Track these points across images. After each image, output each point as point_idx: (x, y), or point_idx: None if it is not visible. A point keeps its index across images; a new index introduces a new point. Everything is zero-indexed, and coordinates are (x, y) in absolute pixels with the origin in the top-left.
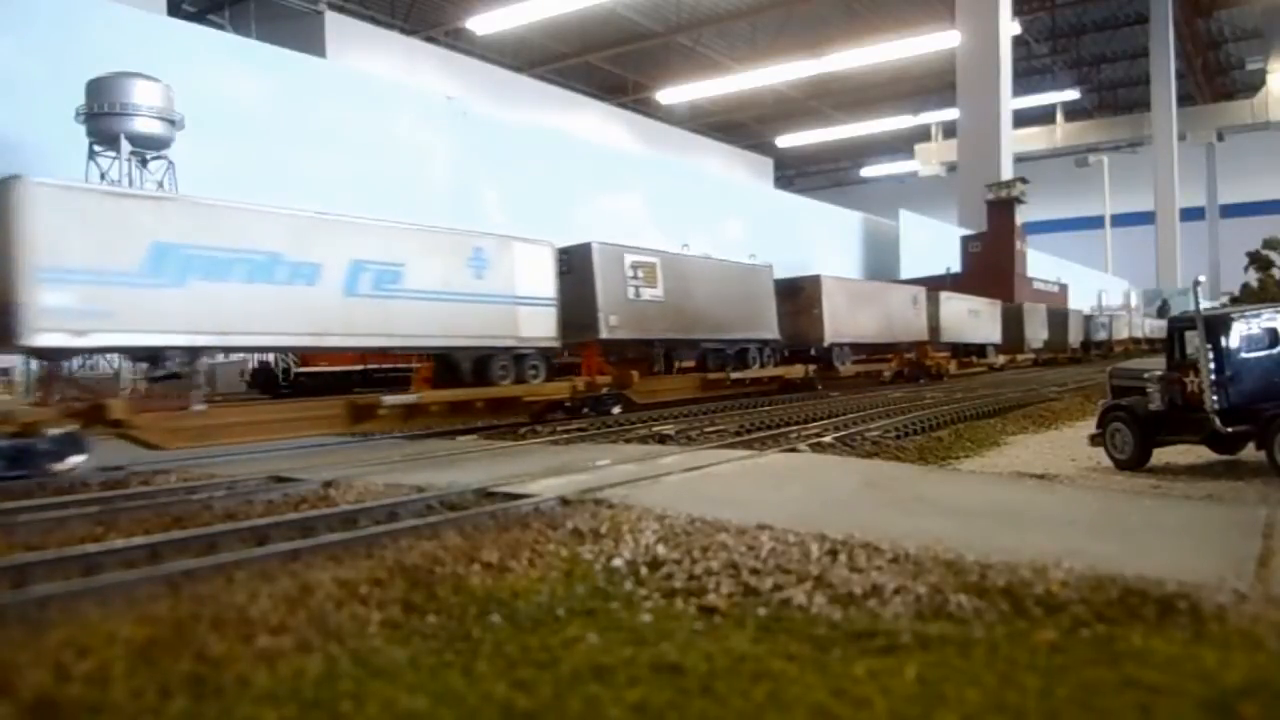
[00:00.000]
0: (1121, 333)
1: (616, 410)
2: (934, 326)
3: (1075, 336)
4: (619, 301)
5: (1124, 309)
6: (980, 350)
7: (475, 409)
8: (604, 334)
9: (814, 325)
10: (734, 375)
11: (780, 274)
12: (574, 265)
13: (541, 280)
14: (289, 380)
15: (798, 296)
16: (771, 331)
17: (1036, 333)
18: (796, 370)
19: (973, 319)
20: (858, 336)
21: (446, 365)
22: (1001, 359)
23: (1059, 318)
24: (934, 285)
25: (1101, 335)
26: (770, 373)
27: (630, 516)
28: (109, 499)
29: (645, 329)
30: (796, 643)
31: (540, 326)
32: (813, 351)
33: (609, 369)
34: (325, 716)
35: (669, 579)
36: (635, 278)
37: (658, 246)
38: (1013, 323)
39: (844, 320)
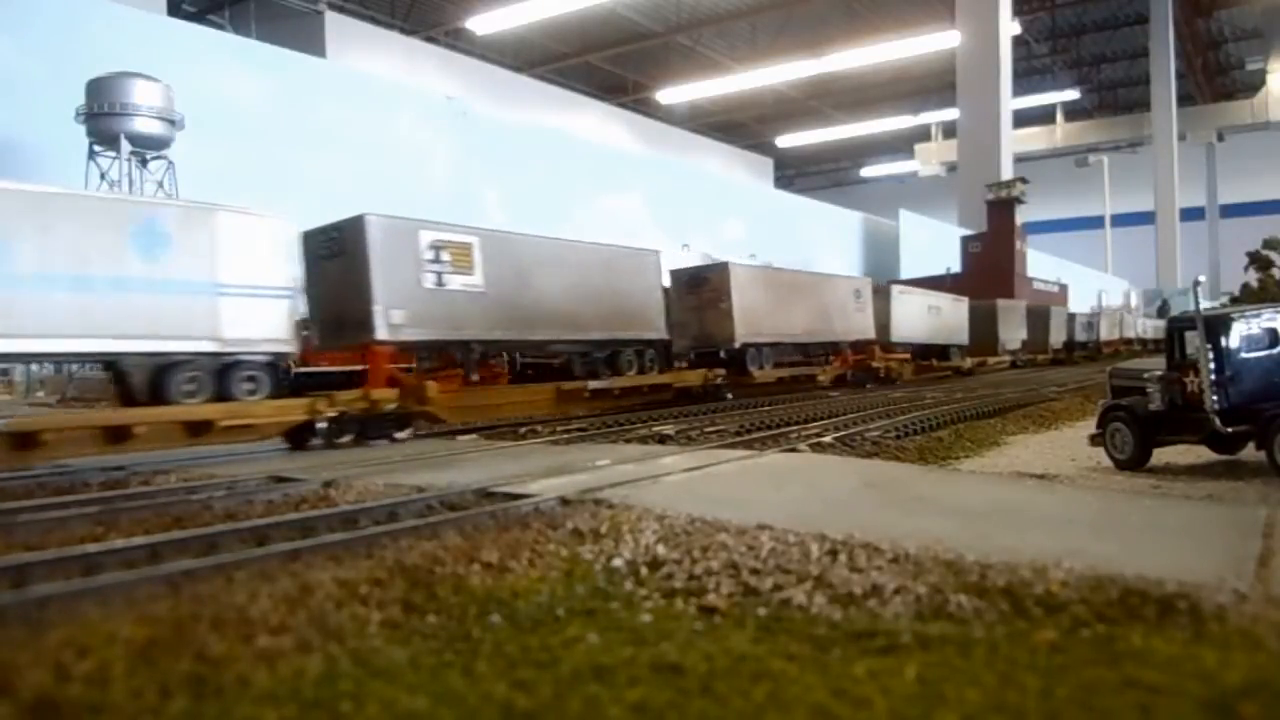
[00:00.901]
0: (1111, 333)
1: (404, 435)
2: (884, 324)
3: (1058, 337)
4: (409, 292)
5: (1117, 308)
6: (943, 352)
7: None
8: (383, 334)
9: (722, 322)
10: (594, 385)
11: None
12: (345, 246)
13: (267, 263)
14: (288, 379)
15: (702, 289)
16: (657, 330)
17: (1012, 333)
18: (691, 377)
19: (933, 317)
20: (782, 335)
21: (118, 379)
22: (969, 362)
23: (1039, 316)
24: (934, 285)
25: (1088, 335)
26: (651, 380)
27: (630, 516)
28: (109, 499)
29: (455, 327)
30: (796, 643)
31: (262, 325)
32: (722, 354)
33: (405, 380)
34: (325, 716)
35: (669, 579)
36: (437, 261)
37: (659, 246)
38: (983, 321)
39: (762, 316)
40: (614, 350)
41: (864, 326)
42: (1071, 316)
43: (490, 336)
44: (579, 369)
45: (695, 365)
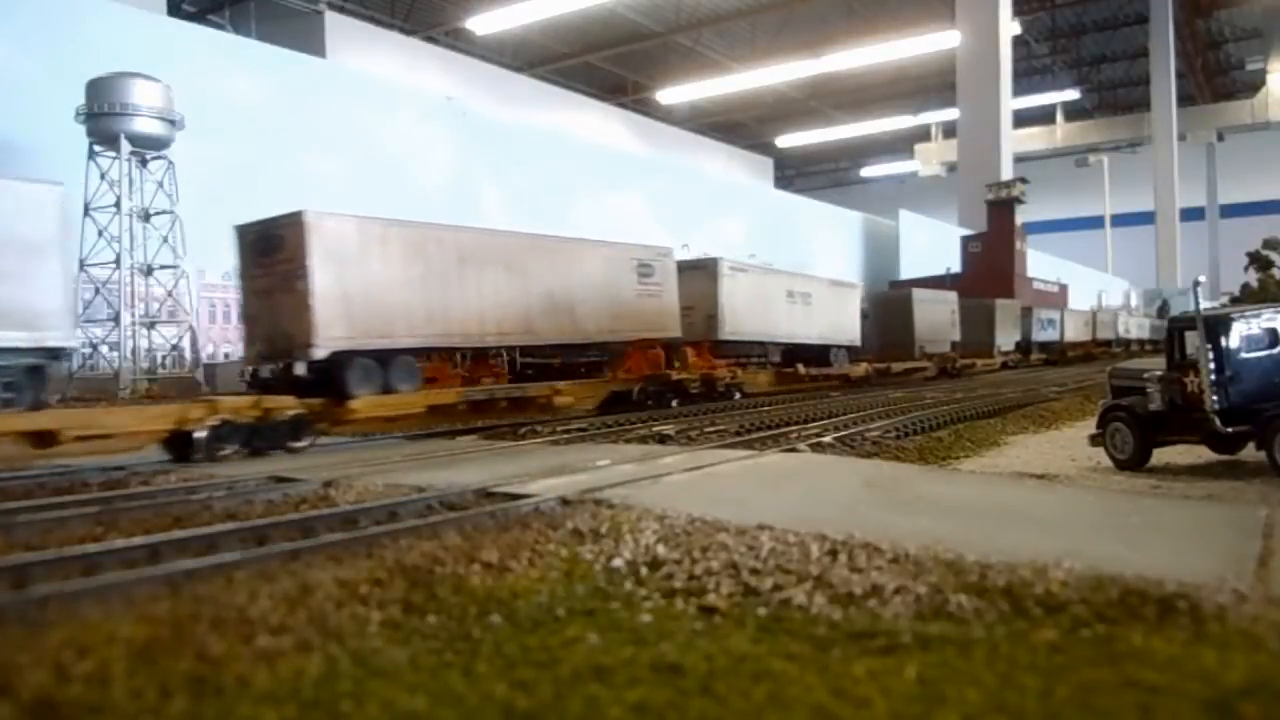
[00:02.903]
0: (1080, 332)
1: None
2: (710, 315)
3: (1006, 337)
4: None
5: (1089, 309)
6: (822, 355)
7: None
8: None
9: (297, 314)
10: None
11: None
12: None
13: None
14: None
15: (274, 258)
16: (57, 334)
17: (936, 331)
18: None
19: (798, 309)
20: (440, 334)
21: None
22: (863, 367)
23: (977, 312)
24: (934, 285)
25: (1048, 335)
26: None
27: (630, 516)
28: (109, 499)
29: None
30: (796, 643)
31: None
32: (303, 369)
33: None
34: (325, 716)
35: (669, 579)
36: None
37: (659, 246)
38: (891, 316)
39: (385, 304)
40: None
41: (659, 319)
42: (1027, 312)
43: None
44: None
45: (264, 389)
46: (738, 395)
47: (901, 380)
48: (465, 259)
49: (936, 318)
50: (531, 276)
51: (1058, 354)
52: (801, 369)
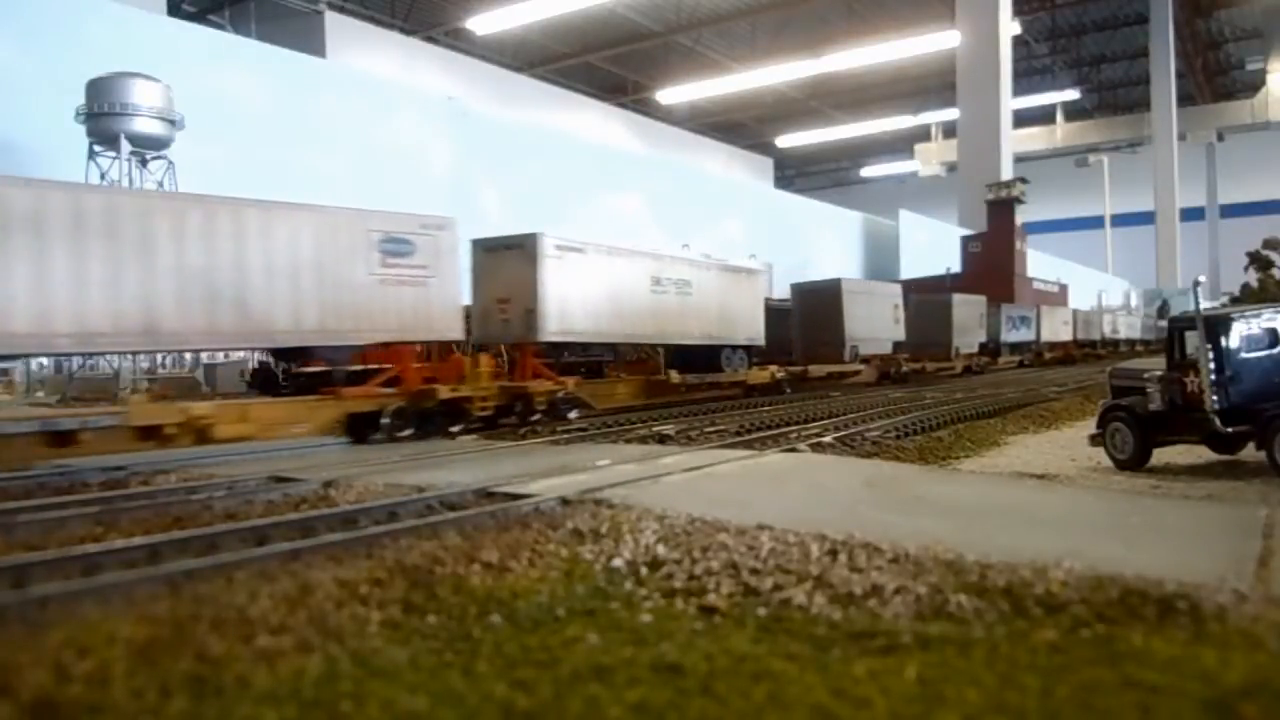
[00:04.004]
0: (1057, 333)
1: None
2: (528, 310)
3: (968, 337)
4: None
5: (1087, 304)
6: (710, 357)
7: None
8: None
9: None
10: None
11: (781, 278)
12: None
13: None
14: (288, 379)
15: None
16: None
17: (873, 328)
18: None
19: (671, 300)
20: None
21: None
22: (770, 372)
23: (931, 308)
24: (934, 285)
25: (1021, 335)
26: None
27: (630, 516)
28: (109, 499)
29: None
30: (796, 643)
31: None
32: None
33: None
34: (325, 716)
35: (669, 579)
36: None
37: (658, 247)
38: (815, 311)
39: None
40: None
41: (422, 316)
42: (995, 309)
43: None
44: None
45: None
46: (573, 414)
47: (827, 386)
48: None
49: (874, 314)
50: (161, 252)
51: (1033, 356)
52: (675, 376)
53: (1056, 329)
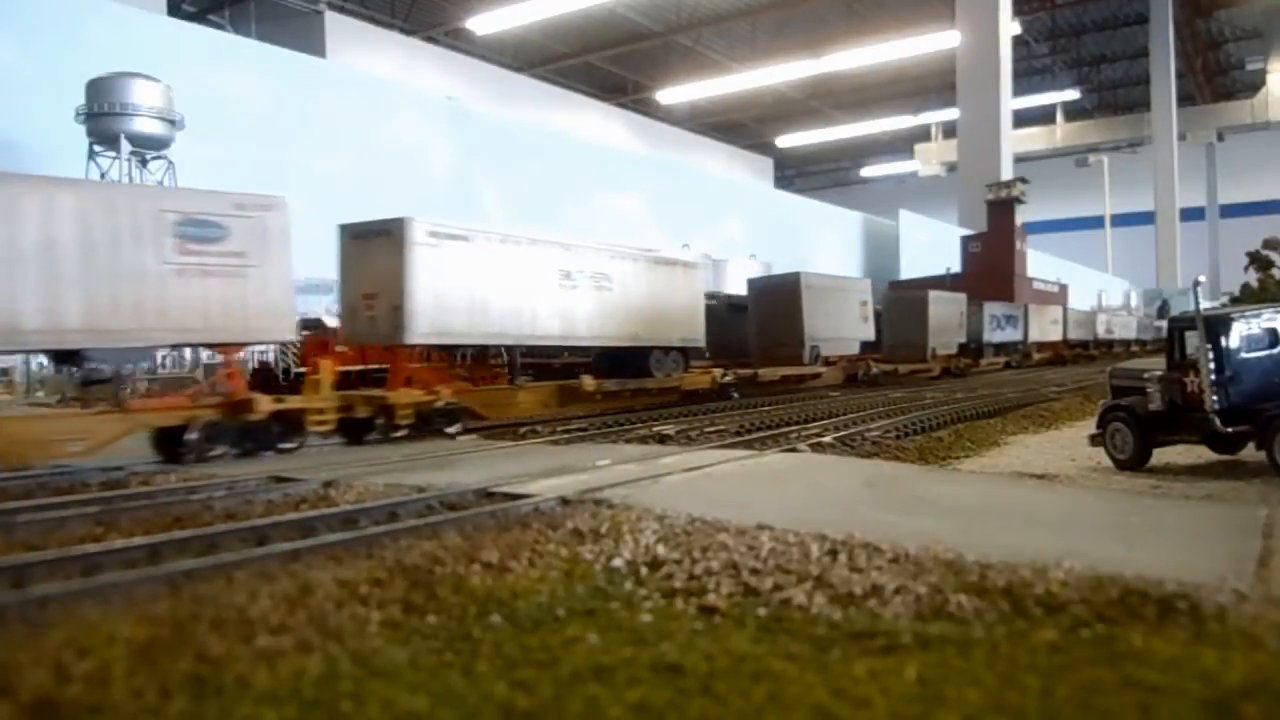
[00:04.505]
0: (1047, 332)
1: None
2: (397, 305)
3: (946, 337)
4: None
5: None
6: (639, 360)
7: None
8: None
9: None
10: None
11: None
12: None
13: None
14: (288, 379)
15: None
16: None
17: (836, 327)
18: None
19: (585, 296)
20: None
21: None
22: (712, 376)
23: (905, 306)
24: (934, 286)
25: (1006, 335)
26: None
27: (630, 516)
28: (109, 499)
29: None
30: (796, 643)
31: None
32: None
33: None
34: (325, 716)
35: (669, 579)
36: None
37: (659, 246)
38: (772, 308)
39: None
40: None
41: (236, 315)
42: (978, 308)
43: None
44: None
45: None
46: (456, 430)
47: (784, 391)
48: None
49: (839, 311)
50: None
51: (1021, 357)
52: (589, 382)
53: (1045, 329)
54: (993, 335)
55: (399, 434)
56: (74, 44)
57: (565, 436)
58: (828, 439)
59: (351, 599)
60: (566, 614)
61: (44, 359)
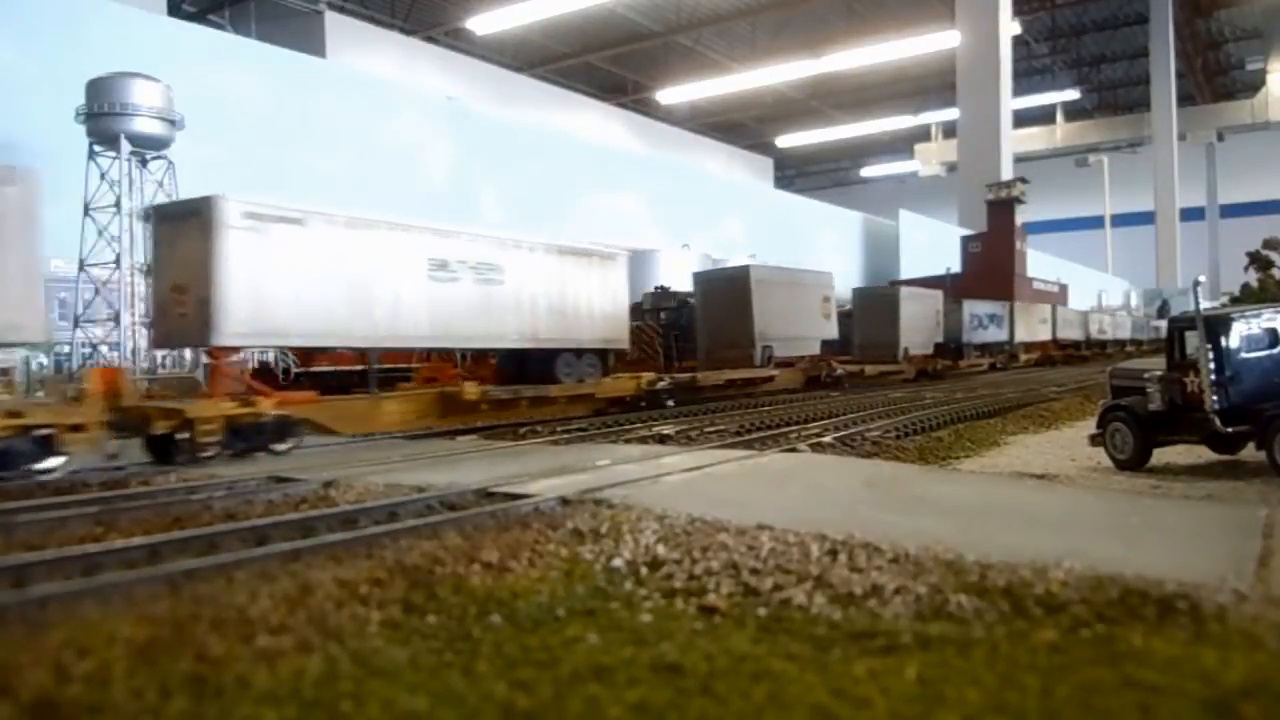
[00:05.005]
0: (1035, 332)
1: None
2: (204, 299)
3: (920, 337)
4: None
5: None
6: (545, 364)
7: None
8: None
9: None
10: None
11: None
12: None
13: None
14: (288, 379)
15: None
16: None
17: (793, 325)
18: None
19: (468, 291)
20: None
21: None
22: (637, 382)
23: (874, 303)
24: (934, 286)
25: (990, 335)
26: None
27: (630, 516)
28: (109, 499)
29: None
30: (796, 643)
31: None
32: None
33: None
34: (325, 716)
35: (669, 579)
36: None
37: (659, 246)
38: (718, 305)
39: None
40: None
41: None
42: (957, 306)
43: None
44: None
45: None
46: (283, 447)
47: (731, 395)
48: None
49: (795, 308)
50: None
51: (1006, 358)
52: (471, 390)
53: (1033, 328)
54: (974, 335)
55: (207, 454)
56: (74, 44)
57: (565, 436)
58: (828, 439)
59: (351, 599)
60: (566, 614)
61: (44, 359)
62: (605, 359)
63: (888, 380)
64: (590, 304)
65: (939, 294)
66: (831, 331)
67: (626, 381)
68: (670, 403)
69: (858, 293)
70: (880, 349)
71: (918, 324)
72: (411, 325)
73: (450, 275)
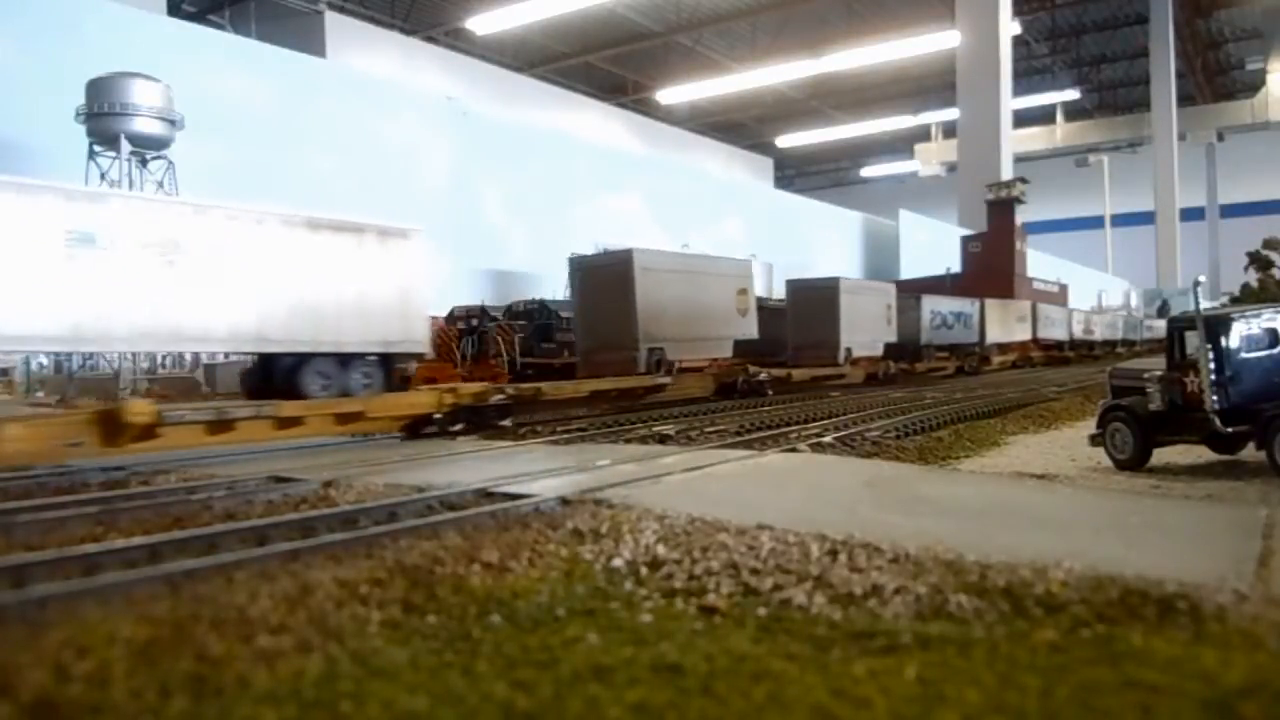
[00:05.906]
0: (1011, 332)
1: None
2: None
3: (866, 336)
4: None
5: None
6: (272, 374)
7: None
8: None
9: None
10: None
11: (781, 279)
12: None
13: None
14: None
15: None
16: None
17: (696, 323)
18: None
19: (128, 267)
20: None
21: None
22: (448, 393)
23: (814, 298)
24: (934, 286)
25: (955, 336)
26: None
27: (630, 516)
28: (109, 499)
29: None
30: (796, 643)
31: None
32: None
33: None
34: (325, 716)
35: (669, 579)
36: None
37: (659, 246)
38: (597, 297)
39: None
40: None
41: None
42: (915, 302)
43: None
44: None
45: None
46: None
47: (605, 407)
48: None
49: (699, 303)
50: None
51: (976, 360)
52: (139, 410)
53: (1010, 328)
54: (937, 335)
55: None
56: (74, 44)
57: (565, 436)
58: (828, 439)
59: (351, 599)
60: (566, 614)
61: (44, 359)
62: (388, 367)
63: (825, 385)
64: (362, 295)
65: (891, 288)
66: (750, 330)
67: (421, 396)
68: (506, 423)
69: (791, 285)
70: (818, 350)
71: (863, 321)
72: (31, 322)
73: (101, 252)
